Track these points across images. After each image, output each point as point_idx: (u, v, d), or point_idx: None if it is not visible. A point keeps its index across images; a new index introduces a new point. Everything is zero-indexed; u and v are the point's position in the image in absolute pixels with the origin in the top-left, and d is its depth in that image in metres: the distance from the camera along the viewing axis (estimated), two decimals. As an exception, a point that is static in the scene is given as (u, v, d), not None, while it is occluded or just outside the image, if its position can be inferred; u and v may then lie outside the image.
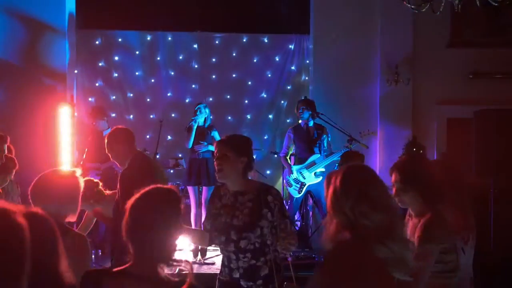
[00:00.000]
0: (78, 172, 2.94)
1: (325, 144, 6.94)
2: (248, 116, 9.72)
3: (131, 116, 9.53)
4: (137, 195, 2.13)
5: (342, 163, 4.76)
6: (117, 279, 2.05)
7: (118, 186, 4.32)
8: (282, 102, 9.75)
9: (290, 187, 6.93)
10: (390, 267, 2.21)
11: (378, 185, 2.32)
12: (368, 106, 7.70)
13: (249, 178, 3.44)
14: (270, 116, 9.74)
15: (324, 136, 6.94)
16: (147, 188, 2.15)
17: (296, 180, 6.86)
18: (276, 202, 3.23)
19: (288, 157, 7.07)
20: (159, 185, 2.20)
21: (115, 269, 2.10)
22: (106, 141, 4.49)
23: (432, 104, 7.62)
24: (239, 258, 3.25)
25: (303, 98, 7.47)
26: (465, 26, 7.55)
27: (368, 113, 7.70)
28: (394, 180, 3.07)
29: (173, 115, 9.56)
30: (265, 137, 9.70)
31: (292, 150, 7.08)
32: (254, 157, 3.49)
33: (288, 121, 9.77)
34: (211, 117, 7.45)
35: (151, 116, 9.58)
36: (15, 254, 1.22)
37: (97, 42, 9.37)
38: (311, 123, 6.95)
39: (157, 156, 7.44)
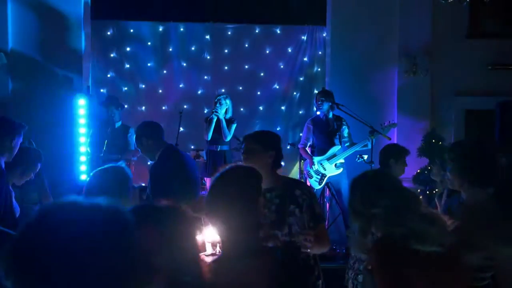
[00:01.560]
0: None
1: (346, 135, 6.91)
2: (261, 108, 9.67)
3: (143, 108, 9.47)
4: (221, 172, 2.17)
5: (385, 158, 4.64)
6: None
7: (148, 180, 4.29)
8: (295, 93, 9.71)
9: (311, 178, 6.91)
10: (412, 241, 2.22)
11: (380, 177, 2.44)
12: (385, 97, 7.66)
13: (279, 174, 3.37)
14: (283, 108, 9.69)
15: (344, 127, 6.91)
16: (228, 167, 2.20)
17: (317, 172, 6.83)
18: (304, 197, 3.12)
19: (307, 148, 7.03)
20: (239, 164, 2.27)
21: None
22: (135, 135, 4.44)
23: (450, 95, 7.59)
24: None
25: (321, 89, 7.42)
26: (484, 17, 7.53)
27: (385, 104, 7.66)
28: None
29: (185, 106, 9.49)
30: (278, 129, 9.64)
31: (310, 142, 7.04)
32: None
33: (300, 112, 9.73)
34: (231, 108, 7.42)
35: (163, 108, 9.52)
36: None
37: (109, 33, 9.27)
38: (330, 115, 6.91)
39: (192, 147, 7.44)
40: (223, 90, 9.47)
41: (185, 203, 4.20)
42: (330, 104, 6.81)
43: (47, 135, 6.80)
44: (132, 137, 7.42)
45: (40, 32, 7.28)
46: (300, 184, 3.35)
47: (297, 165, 8.11)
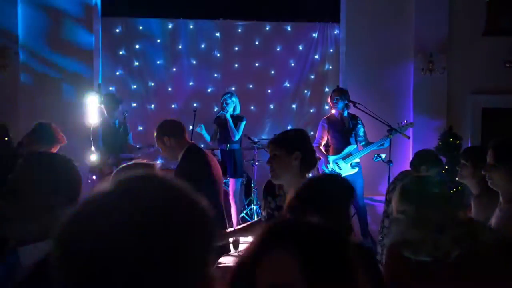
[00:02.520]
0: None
1: (361, 134, 6.78)
2: (271, 106, 9.56)
3: (152, 106, 9.36)
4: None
5: (418, 163, 4.48)
6: None
7: None
8: (306, 91, 9.60)
9: (325, 178, 6.78)
10: (407, 248, 2.20)
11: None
12: (400, 95, 7.53)
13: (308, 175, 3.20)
14: (293, 106, 9.59)
15: (360, 126, 6.78)
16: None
17: (332, 171, 6.71)
18: None
19: (321, 147, 6.91)
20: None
21: None
22: (155, 134, 4.29)
23: (467, 93, 7.46)
24: None
25: (335, 87, 7.30)
26: (501, 14, 7.39)
27: (400, 103, 7.54)
28: (488, 158, 2.95)
29: (195, 104, 9.39)
30: (288, 127, 9.54)
31: (325, 141, 6.92)
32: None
33: (311, 111, 9.63)
34: (239, 105, 7.32)
35: (173, 106, 9.41)
36: None
37: (117, 30, 9.16)
38: (345, 113, 6.78)
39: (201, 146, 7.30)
40: (233, 88, 9.37)
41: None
42: (346, 102, 6.68)
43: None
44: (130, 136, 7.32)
45: (50, 29, 7.15)
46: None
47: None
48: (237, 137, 7.20)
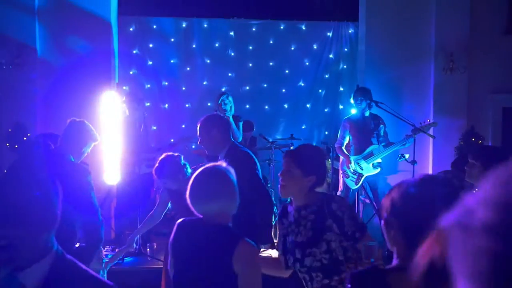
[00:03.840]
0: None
1: (382, 134, 6.73)
2: (286, 105, 9.51)
3: (166, 105, 9.30)
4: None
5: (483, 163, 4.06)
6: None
7: None
8: (320, 91, 9.56)
9: (347, 178, 6.73)
10: None
11: None
12: (420, 94, 7.46)
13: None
14: (308, 106, 9.54)
15: (381, 126, 6.73)
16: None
17: (354, 171, 6.66)
18: (343, 209, 2.90)
19: (343, 148, 6.85)
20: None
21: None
22: (199, 130, 4.20)
23: (487, 93, 7.40)
24: (312, 278, 2.96)
25: (356, 87, 7.23)
26: (522, 13, 7.34)
27: (420, 102, 7.47)
28: None
29: (208, 104, 9.32)
30: (303, 127, 9.51)
31: (347, 141, 6.86)
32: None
33: (326, 110, 9.58)
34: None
35: (187, 105, 9.35)
36: None
37: (131, 29, 9.10)
38: (367, 113, 6.73)
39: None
40: (247, 88, 9.34)
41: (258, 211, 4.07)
42: (369, 102, 6.62)
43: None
44: None
45: (68, 31, 7.06)
46: (334, 197, 3.16)
47: (328, 162, 7.94)
48: (240, 138, 7.10)
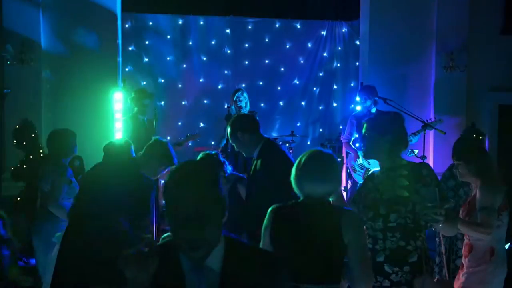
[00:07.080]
0: None
1: (388, 130, 6.87)
2: (281, 103, 9.60)
3: (162, 103, 9.25)
4: None
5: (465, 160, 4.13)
6: None
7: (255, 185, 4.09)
8: (315, 88, 9.68)
9: (355, 172, 6.87)
10: None
11: None
12: (421, 92, 7.66)
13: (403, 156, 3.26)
14: (303, 103, 9.65)
15: (387, 122, 6.87)
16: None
17: (361, 166, 6.80)
18: (432, 177, 3.02)
19: (351, 143, 6.98)
20: None
21: None
22: (229, 130, 4.18)
23: (485, 91, 7.67)
24: (386, 237, 3.01)
25: (360, 84, 7.38)
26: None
27: (421, 100, 7.67)
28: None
29: (205, 101, 9.35)
30: (298, 124, 9.60)
31: (354, 137, 6.99)
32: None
33: (320, 108, 9.70)
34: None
35: (183, 103, 9.34)
36: None
37: (126, 26, 8.99)
38: (373, 110, 6.87)
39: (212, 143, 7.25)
40: (243, 85, 9.34)
41: None
42: (375, 99, 6.76)
43: (83, 130, 6.53)
44: None
45: (74, 26, 6.97)
46: (424, 164, 3.28)
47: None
48: None
